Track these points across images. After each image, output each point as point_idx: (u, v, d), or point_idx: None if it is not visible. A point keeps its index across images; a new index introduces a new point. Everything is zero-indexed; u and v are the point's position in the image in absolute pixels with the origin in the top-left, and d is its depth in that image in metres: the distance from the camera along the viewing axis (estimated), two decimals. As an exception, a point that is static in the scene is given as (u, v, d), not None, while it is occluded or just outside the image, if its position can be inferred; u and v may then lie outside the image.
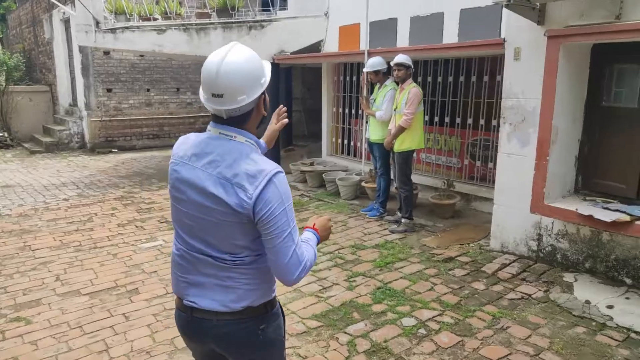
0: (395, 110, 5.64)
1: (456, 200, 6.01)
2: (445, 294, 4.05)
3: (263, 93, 1.61)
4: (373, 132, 6.07)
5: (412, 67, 5.49)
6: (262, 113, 1.65)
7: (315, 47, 8.33)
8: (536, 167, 4.17)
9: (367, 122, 6.29)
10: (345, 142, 8.40)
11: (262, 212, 1.50)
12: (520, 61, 4.54)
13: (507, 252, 4.85)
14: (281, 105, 2.17)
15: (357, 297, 4.00)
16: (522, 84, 4.54)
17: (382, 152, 6.03)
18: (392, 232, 5.64)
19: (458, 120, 6.39)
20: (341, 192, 7.05)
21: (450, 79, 6.42)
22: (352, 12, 7.47)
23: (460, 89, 6.32)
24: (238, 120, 1.59)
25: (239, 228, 1.55)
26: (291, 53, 8.34)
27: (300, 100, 14.42)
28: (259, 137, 1.72)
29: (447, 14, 6.15)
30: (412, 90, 5.40)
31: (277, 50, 8.37)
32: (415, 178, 5.94)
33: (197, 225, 1.60)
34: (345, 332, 3.46)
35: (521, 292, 4.04)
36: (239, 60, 1.54)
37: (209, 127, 1.63)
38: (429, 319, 3.64)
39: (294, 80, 12.56)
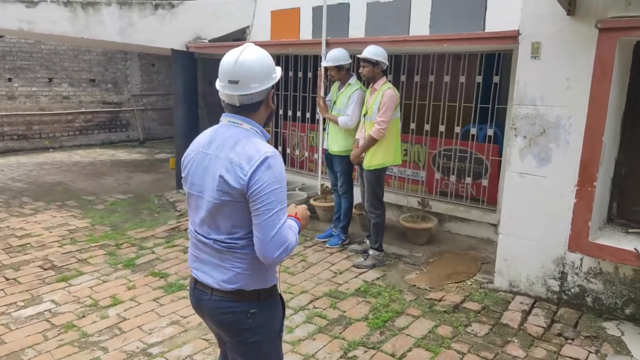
0: (364, 116, 4.51)
1: (434, 223, 5.05)
2: (483, 369, 3.01)
3: (273, 87, 1.79)
4: (333, 142, 4.88)
5: (384, 63, 4.38)
6: (271, 106, 1.83)
7: (240, 35, 6.89)
8: (578, 194, 3.31)
9: (324, 129, 5.07)
10: (280, 149, 7.07)
11: (253, 187, 1.62)
12: (541, 59, 3.66)
13: (519, 293, 3.98)
14: None
15: (371, 389, 2.80)
16: (542, 88, 3.67)
17: (344, 167, 4.87)
18: (358, 267, 4.52)
19: (427, 127, 5.43)
20: (284, 213, 5.74)
21: (417, 78, 5.44)
22: (289, -6, 6.19)
23: (430, 90, 5.37)
24: (249, 109, 1.76)
25: (237, 207, 1.67)
26: (209, 41, 6.80)
27: (202, 96, 12.73)
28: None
29: (415, 1, 5.15)
30: (386, 92, 4.30)
31: (192, 36, 6.78)
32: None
33: (205, 207, 1.74)
34: None
35: (571, 358, 3.14)
36: (254, 55, 1.74)
37: (221, 118, 1.82)
38: (488, 421, 2.57)
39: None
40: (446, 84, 5.24)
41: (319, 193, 5.71)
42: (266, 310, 1.81)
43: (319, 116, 6.33)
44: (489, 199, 5.14)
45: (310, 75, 6.40)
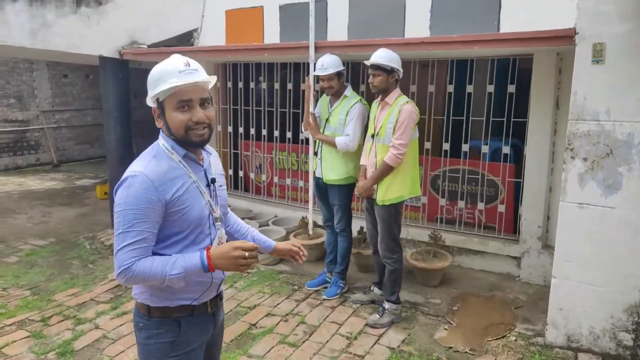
0: (373, 137, 3.60)
1: (449, 261, 4.23)
2: None
3: (158, 107, 1.60)
4: (330, 169, 3.93)
5: (400, 70, 3.53)
6: (158, 125, 1.66)
7: (187, 39, 5.74)
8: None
9: (315, 153, 4.09)
10: (240, 174, 5.98)
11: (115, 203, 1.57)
12: (605, 64, 2.98)
13: (581, 350, 3.25)
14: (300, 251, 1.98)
15: None
16: (608, 100, 2.99)
17: (344, 199, 3.95)
18: (374, 326, 3.59)
19: (427, 144, 4.63)
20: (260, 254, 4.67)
21: (413, 88, 4.63)
22: (249, -10, 5.18)
23: (430, 102, 4.58)
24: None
25: None
26: (149, 46, 5.59)
27: (126, 111, 11.22)
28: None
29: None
30: (404, 107, 3.43)
31: (126, 40, 5.54)
32: (365, 224, 3.93)
33: None
34: None
35: None
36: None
37: None
38: None
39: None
40: (450, 94, 4.49)
41: (309, 229, 4.66)
42: (152, 328, 1.69)
43: (291, 135, 5.38)
44: (507, 227, 4.43)
45: (277, 86, 5.40)
